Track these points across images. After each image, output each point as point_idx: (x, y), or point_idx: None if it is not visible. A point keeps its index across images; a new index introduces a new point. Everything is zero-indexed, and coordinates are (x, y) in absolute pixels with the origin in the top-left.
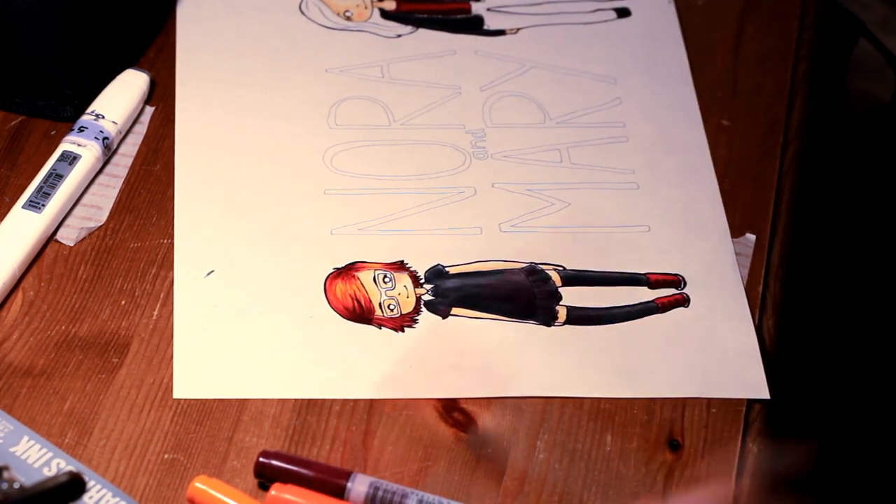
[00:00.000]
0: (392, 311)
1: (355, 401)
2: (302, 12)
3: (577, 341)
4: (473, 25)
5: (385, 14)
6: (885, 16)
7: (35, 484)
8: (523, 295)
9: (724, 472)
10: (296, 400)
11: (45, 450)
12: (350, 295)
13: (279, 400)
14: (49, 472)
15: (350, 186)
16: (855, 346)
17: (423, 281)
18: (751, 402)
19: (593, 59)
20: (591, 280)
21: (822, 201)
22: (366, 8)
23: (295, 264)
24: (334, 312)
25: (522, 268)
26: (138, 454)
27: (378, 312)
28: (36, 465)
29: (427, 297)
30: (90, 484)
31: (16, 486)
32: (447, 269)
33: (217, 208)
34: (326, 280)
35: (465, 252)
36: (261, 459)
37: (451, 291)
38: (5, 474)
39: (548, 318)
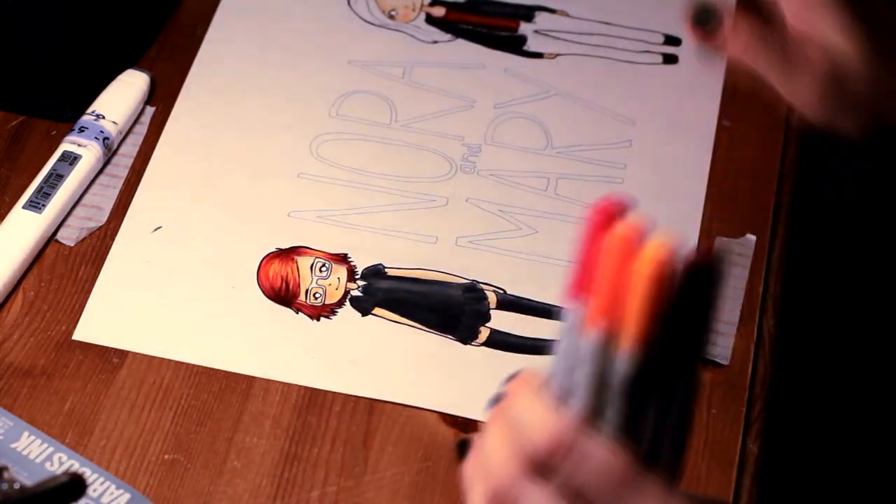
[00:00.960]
0: (316, 299)
1: (356, 401)
2: (349, 4)
3: (486, 364)
4: (513, 44)
5: (430, 19)
6: None
7: (35, 484)
8: (451, 309)
9: (725, 472)
10: (296, 399)
11: (46, 444)
12: (281, 276)
13: (280, 399)
14: (51, 466)
15: (325, 175)
16: (855, 346)
17: (357, 276)
18: (751, 403)
19: (621, 98)
20: (528, 309)
21: (822, 201)
22: (413, 10)
23: (240, 237)
24: (259, 289)
25: (462, 283)
26: (138, 454)
27: (301, 298)
28: (37, 460)
29: (355, 293)
30: (93, 477)
31: (16, 486)
32: (386, 269)
33: (187, 170)
34: (264, 258)
35: (414, 258)
36: None
37: (380, 291)
38: (5, 474)
39: (467, 336)
